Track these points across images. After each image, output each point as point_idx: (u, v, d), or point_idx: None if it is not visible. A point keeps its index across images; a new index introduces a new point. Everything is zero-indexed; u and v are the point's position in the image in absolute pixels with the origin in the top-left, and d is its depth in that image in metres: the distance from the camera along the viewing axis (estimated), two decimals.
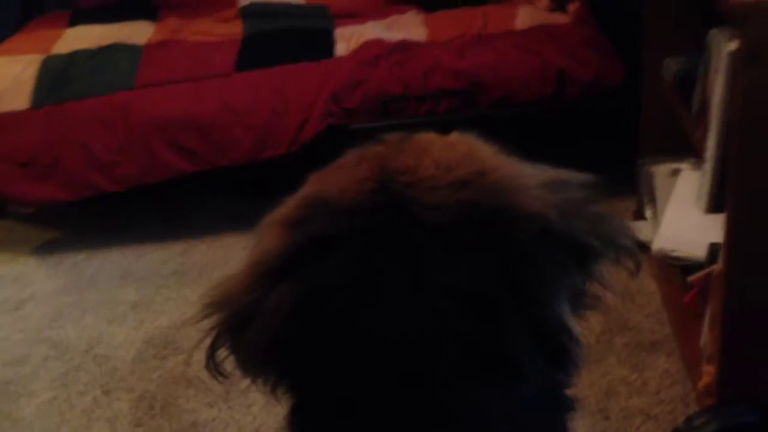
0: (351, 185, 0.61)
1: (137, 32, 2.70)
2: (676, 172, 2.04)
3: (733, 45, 1.40)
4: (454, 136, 0.65)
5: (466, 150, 0.63)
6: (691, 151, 1.89)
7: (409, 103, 2.36)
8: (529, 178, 0.62)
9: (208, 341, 0.63)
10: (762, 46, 1.29)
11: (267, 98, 2.37)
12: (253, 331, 0.60)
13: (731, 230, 1.40)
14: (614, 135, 2.28)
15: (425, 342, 0.57)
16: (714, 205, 1.54)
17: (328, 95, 2.35)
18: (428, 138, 0.65)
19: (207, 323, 0.63)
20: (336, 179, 0.63)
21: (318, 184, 0.64)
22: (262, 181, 2.54)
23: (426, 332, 0.56)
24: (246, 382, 1.76)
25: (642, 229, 1.95)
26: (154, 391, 1.83)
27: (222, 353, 0.63)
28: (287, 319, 0.59)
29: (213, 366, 0.64)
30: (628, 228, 0.64)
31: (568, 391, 0.62)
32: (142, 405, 1.79)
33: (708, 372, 1.57)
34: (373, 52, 2.42)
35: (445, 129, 0.67)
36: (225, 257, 2.30)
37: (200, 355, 1.94)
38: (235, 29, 2.68)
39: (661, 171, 2.07)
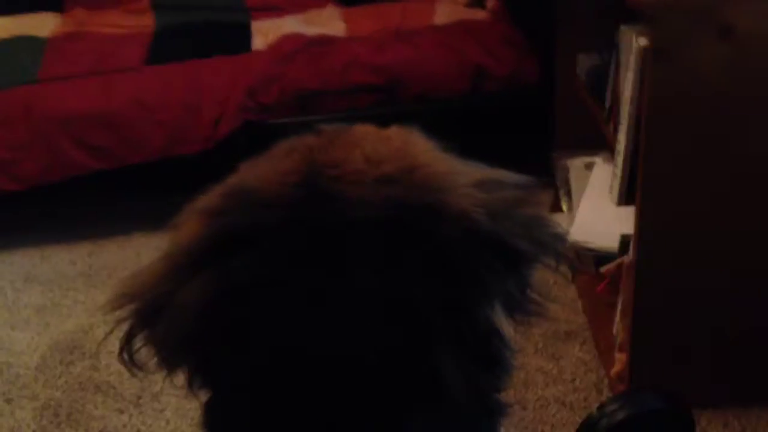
0: (275, 177, 0.59)
1: (41, 24, 2.59)
2: (590, 166, 2.08)
3: (642, 41, 1.43)
4: (392, 130, 0.63)
5: (400, 145, 0.60)
6: (605, 145, 1.93)
7: (328, 99, 2.33)
8: (461, 176, 0.59)
9: (120, 333, 0.60)
10: (670, 43, 1.32)
11: (179, 93, 2.30)
12: (165, 324, 0.58)
13: (641, 222, 1.44)
14: (531, 129, 2.31)
15: (342, 350, 0.54)
16: (625, 198, 1.57)
17: (243, 90, 2.29)
18: (364, 131, 0.62)
19: (120, 314, 0.60)
20: (262, 170, 0.60)
21: (244, 173, 0.61)
22: (176, 180, 2.47)
23: (343, 339, 0.54)
24: (158, 385, 1.70)
25: (558, 222, 1.98)
26: (59, 398, 1.74)
27: (136, 344, 0.60)
28: (199, 315, 0.56)
29: (127, 357, 0.61)
30: (562, 231, 0.62)
31: (500, 396, 0.61)
32: (46, 413, 1.70)
33: (620, 359, 1.61)
34: (291, 47, 2.38)
35: (384, 122, 0.64)
36: (136, 258, 2.22)
37: (109, 360, 1.86)
38: (146, 21, 2.59)
39: (575, 164, 2.11)
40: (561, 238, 0.62)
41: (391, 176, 0.57)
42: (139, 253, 2.23)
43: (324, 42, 2.42)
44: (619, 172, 1.56)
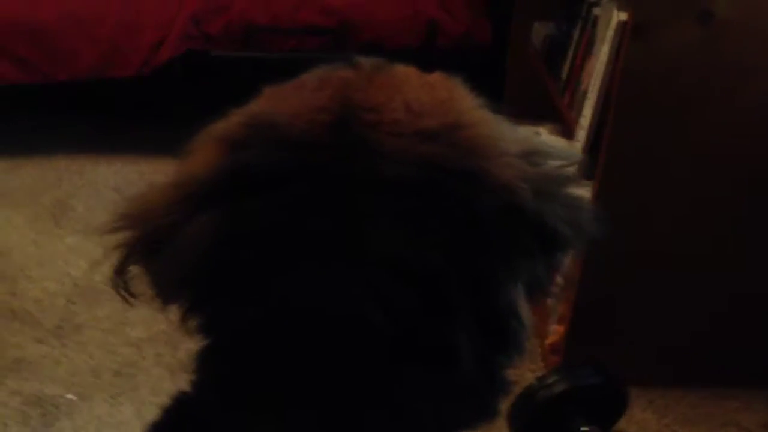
0: (305, 112, 0.53)
1: None
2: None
3: (622, 16, 1.42)
4: (437, 77, 0.57)
5: (446, 96, 0.55)
6: (551, 116, 1.93)
7: (275, 37, 2.23)
8: (509, 143, 0.55)
9: (116, 256, 0.55)
10: (650, 21, 1.31)
11: (117, 10, 2.16)
12: (167, 257, 0.53)
13: (598, 199, 1.44)
14: (479, 92, 2.29)
15: (347, 310, 0.50)
16: (584, 173, 1.57)
17: (188, 16, 2.17)
18: (407, 73, 0.57)
19: (118, 237, 0.55)
20: (291, 101, 0.54)
21: (270, 102, 0.55)
22: (107, 102, 2.32)
23: (349, 300, 0.50)
24: (81, 317, 1.58)
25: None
26: None
27: (132, 271, 0.56)
28: (205, 253, 0.52)
29: (120, 284, 0.56)
30: (601, 218, 0.58)
31: (507, 373, 0.58)
32: None
33: (556, 331, 1.63)
34: None
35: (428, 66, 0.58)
36: (57, 180, 2.08)
37: (28, 285, 1.73)
38: None
39: None
40: (599, 223, 0.58)
41: (432, 132, 0.52)
42: (60, 175, 2.09)
43: None
44: (580, 146, 1.56)
